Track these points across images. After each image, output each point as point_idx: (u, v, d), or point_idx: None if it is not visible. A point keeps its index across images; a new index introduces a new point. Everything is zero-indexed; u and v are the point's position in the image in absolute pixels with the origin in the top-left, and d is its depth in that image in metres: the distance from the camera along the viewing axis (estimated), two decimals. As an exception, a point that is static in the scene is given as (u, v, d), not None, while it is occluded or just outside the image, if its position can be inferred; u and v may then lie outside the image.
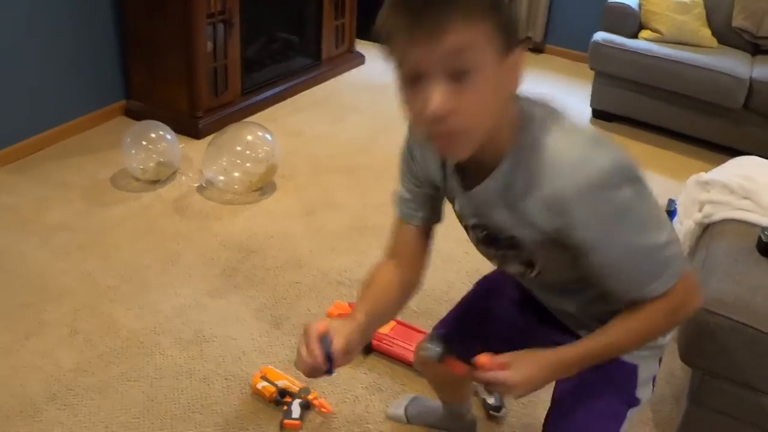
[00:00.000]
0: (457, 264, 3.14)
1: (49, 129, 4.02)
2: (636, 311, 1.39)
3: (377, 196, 3.65)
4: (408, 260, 1.62)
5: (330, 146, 4.20)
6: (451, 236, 3.05)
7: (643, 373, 1.62)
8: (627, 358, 1.57)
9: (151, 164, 3.60)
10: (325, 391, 2.42)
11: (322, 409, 2.33)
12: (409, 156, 1.56)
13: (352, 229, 3.37)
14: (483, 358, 1.38)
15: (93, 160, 3.86)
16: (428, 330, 2.58)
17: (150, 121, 3.72)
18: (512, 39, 1.21)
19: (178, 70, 4.10)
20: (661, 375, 2.14)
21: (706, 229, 2.66)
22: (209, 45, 4.11)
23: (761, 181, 2.60)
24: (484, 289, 1.90)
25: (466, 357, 1.42)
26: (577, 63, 5.76)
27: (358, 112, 4.72)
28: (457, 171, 1.44)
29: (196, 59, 4.03)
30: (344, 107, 4.79)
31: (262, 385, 2.37)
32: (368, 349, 2.59)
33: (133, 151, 3.57)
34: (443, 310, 2.60)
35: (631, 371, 1.60)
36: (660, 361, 1.68)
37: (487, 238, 1.48)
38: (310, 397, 2.33)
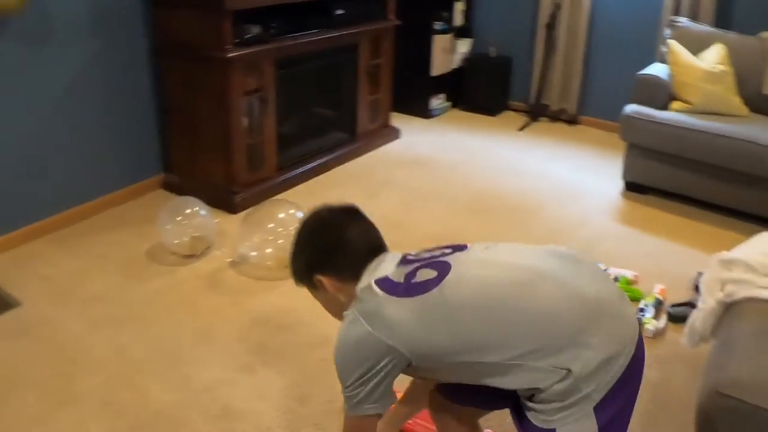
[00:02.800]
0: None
1: (89, 201, 4.18)
2: None
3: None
4: None
5: (362, 221, 4.27)
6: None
7: None
8: (539, 423, 1.67)
9: (186, 239, 3.70)
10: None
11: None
12: None
13: (381, 306, 3.42)
14: None
15: (131, 233, 3.98)
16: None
17: (185, 197, 3.84)
18: (308, 275, 1.95)
19: (215, 146, 4.24)
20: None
21: (729, 309, 2.66)
22: (245, 121, 4.24)
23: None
24: None
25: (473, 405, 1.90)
26: (611, 134, 5.81)
27: (392, 186, 4.81)
28: None
29: (233, 135, 4.17)
30: (378, 182, 4.88)
31: (285, 461, 2.41)
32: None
33: (169, 227, 3.68)
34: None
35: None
36: (594, 415, 1.67)
37: None
38: (332, 474, 2.36)
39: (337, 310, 1.90)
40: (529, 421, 1.71)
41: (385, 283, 1.77)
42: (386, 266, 1.83)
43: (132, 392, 2.79)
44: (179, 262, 3.71)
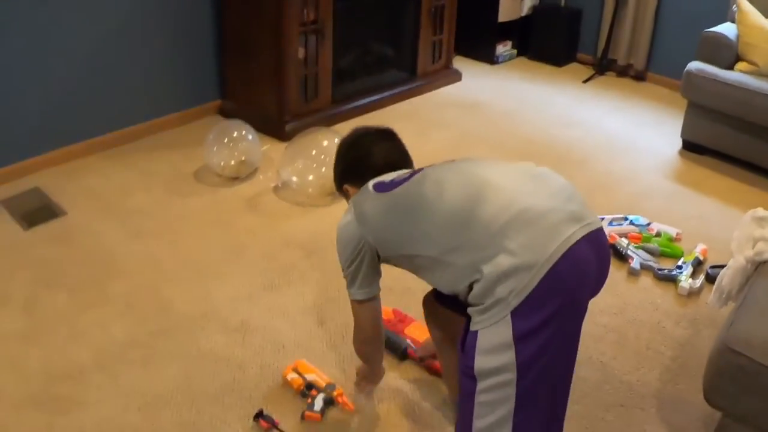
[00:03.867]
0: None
1: (146, 121, 4.28)
2: None
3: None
4: None
5: (409, 158, 4.29)
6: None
7: (483, 341, 1.68)
8: (471, 327, 1.74)
9: (232, 162, 3.77)
10: (351, 389, 2.50)
11: (345, 407, 2.41)
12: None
13: (413, 240, 3.45)
14: None
15: (181, 153, 4.07)
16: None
17: (234, 120, 3.90)
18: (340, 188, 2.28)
19: (270, 75, 4.28)
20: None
21: (758, 269, 2.60)
22: (301, 52, 4.27)
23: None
24: None
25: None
26: (677, 93, 5.65)
27: (443, 127, 4.80)
28: None
29: (287, 65, 4.20)
30: (431, 122, 4.87)
31: (291, 376, 2.48)
32: (404, 355, 2.66)
33: (215, 148, 3.75)
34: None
35: (471, 342, 1.72)
36: (511, 320, 1.67)
37: None
38: (334, 393, 2.42)
39: None
40: (469, 328, 1.77)
41: (378, 185, 2.02)
42: (391, 175, 2.05)
43: (156, 300, 2.89)
44: (223, 183, 3.79)
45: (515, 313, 1.65)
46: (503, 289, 1.64)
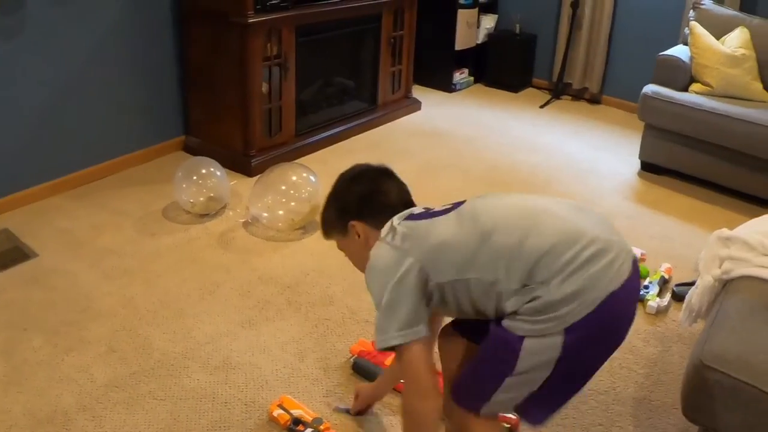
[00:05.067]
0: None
1: (110, 159, 4.28)
2: None
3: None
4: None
5: (374, 189, 4.33)
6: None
7: (531, 346, 1.76)
8: (512, 329, 1.77)
9: (201, 198, 3.78)
10: (338, 423, 2.52)
11: (333, 439, 2.43)
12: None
13: (386, 270, 3.48)
14: None
15: (149, 191, 4.07)
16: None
17: (201, 157, 3.92)
18: (340, 224, 2.11)
19: (234, 110, 4.31)
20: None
21: (725, 287, 2.67)
22: (265, 87, 4.31)
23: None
24: None
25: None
26: (632, 114, 5.77)
27: (407, 156, 4.86)
28: None
29: (251, 100, 4.24)
30: (395, 151, 4.93)
31: (278, 412, 2.49)
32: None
33: (184, 185, 3.76)
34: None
35: (514, 343, 1.77)
36: (563, 337, 1.75)
37: None
38: (321, 427, 2.43)
39: (363, 258, 1.99)
40: (503, 327, 1.81)
41: (407, 216, 1.98)
42: (418, 208, 2.05)
43: (136, 341, 2.88)
44: (193, 221, 3.80)
45: (568, 330, 1.74)
46: (565, 309, 1.71)
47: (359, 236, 2.06)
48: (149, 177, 4.26)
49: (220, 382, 2.68)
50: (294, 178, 3.71)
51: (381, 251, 1.91)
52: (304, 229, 3.77)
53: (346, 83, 5.29)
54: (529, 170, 4.76)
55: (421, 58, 5.98)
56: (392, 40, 5.33)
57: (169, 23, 4.40)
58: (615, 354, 2.90)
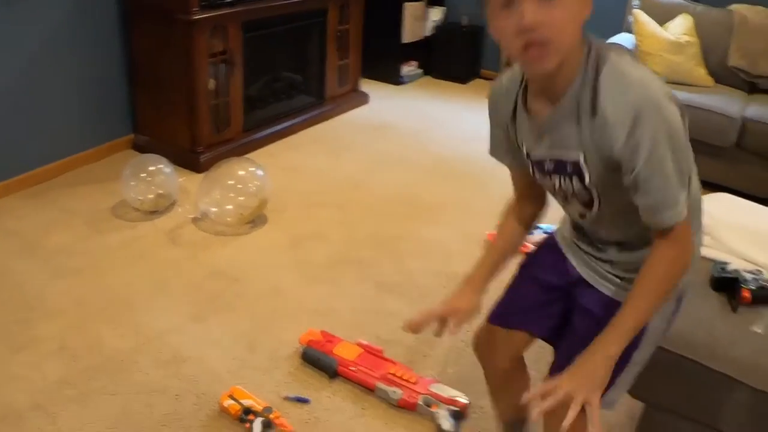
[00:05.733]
0: (431, 296, 3.30)
1: (59, 159, 4.28)
2: (648, 264, 1.60)
3: (362, 229, 3.85)
4: (524, 195, 1.95)
5: (323, 182, 4.41)
6: (430, 271, 3.24)
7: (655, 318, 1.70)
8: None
9: (150, 196, 3.82)
10: (288, 411, 2.59)
11: (283, 428, 2.49)
12: (491, 103, 1.81)
13: (333, 262, 3.55)
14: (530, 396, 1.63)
15: (98, 190, 4.10)
16: (392, 357, 2.77)
17: (150, 154, 3.95)
18: None
19: (181, 107, 4.35)
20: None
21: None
22: (211, 83, 4.35)
23: (720, 217, 2.71)
24: (524, 267, 2.07)
25: (524, 326, 1.95)
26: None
27: (354, 150, 4.93)
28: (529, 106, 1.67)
29: (198, 97, 4.27)
30: (342, 145, 5.00)
31: (228, 403, 2.55)
32: (334, 374, 2.76)
33: (132, 183, 3.80)
34: (413, 343, 2.80)
35: None
36: (675, 306, 1.80)
37: (556, 168, 1.66)
38: (272, 416, 2.49)
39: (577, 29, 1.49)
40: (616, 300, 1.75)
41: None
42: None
43: (87, 337, 2.92)
44: (142, 218, 3.83)
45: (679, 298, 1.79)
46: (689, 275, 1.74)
47: (588, 3, 1.48)
48: (99, 176, 4.28)
49: (170, 376, 2.73)
50: (241, 172, 3.77)
51: (664, 90, 1.49)
52: (253, 222, 3.82)
53: (294, 78, 5.34)
54: (474, 160, 4.85)
55: (369, 51, 6.04)
56: (339, 34, 5.39)
57: (115, 22, 4.41)
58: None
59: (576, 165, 1.60)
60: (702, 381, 2.14)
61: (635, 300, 1.61)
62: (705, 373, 2.12)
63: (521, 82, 1.67)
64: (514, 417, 2.22)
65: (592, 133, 1.52)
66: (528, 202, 1.95)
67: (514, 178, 1.95)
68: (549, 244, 2.01)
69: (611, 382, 1.67)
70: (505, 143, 1.83)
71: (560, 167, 1.64)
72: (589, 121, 1.52)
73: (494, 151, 1.91)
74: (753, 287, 2.34)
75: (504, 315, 2.02)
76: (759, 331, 2.22)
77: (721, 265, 2.45)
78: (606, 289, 1.80)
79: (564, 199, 1.76)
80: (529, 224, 1.97)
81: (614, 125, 1.47)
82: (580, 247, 1.88)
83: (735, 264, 2.50)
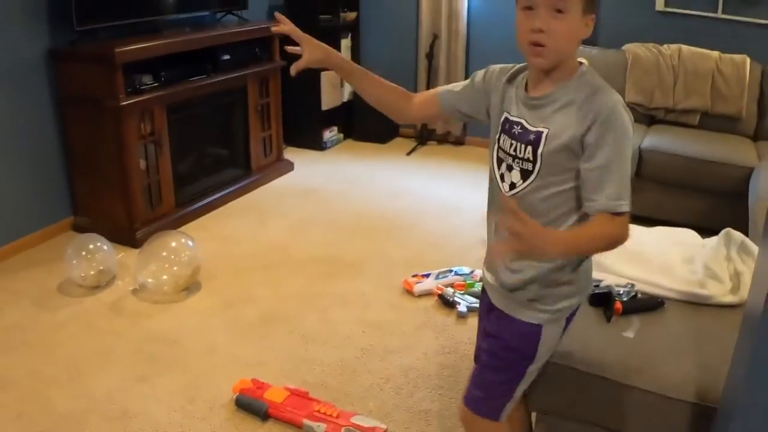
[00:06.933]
0: (351, 342, 3.68)
1: (4, 245, 4.56)
2: (596, 222, 1.85)
3: (288, 287, 4.25)
4: (417, 103, 2.33)
5: (251, 248, 4.80)
6: (350, 319, 3.60)
7: (546, 333, 2.08)
8: (530, 319, 2.06)
9: (91, 272, 4.15)
10: (225, 451, 2.93)
11: (221, 465, 2.83)
12: (491, 71, 2.19)
13: (263, 319, 3.92)
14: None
15: (43, 270, 4.41)
16: (320, 399, 3.12)
17: (89, 234, 4.29)
18: (591, 7, 1.86)
19: (116, 188, 4.70)
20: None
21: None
22: (143, 163, 4.71)
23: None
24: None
25: None
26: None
27: (280, 215, 5.33)
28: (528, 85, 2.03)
29: (131, 177, 4.63)
30: (269, 212, 5.40)
31: (171, 448, 2.88)
32: (265, 416, 3.11)
33: (74, 262, 4.13)
34: (337, 384, 3.14)
35: (536, 331, 2.08)
36: (565, 324, 2.15)
37: (520, 135, 1.96)
38: (210, 455, 2.83)
39: (569, 45, 1.90)
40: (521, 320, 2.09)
41: None
42: None
43: (41, 403, 3.23)
44: (86, 293, 4.16)
45: (569, 318, 2.15)
46: (578, 297, 2.13)
47: (587, 28, 1.88)
48: (42, 258, 4.59)
49: (120, 430, 3.06)
50: (173, 244, 4.12)
51: (617, 98, 1.87)
52: (188, 290, 4.17)
53: (221, 152, 5.72)
54: (394, 215, 5.27)
55: (291, 121, 6.41)
56: (260, 107, 5.79)
57: (49, 109, 4.70)
58: (444, 347, 3.42)
59: (538, 135, 1.91)
60: (578, 386, 2.45)
61: (591, 230, 1.86)
62: (581, 377, 2.43)
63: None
64: None
65: (567, 117, 1.87)
66: (414, 103, 2.35)
67: (428, 97, 2.31)
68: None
69: (508, 395, 2.16)
70: (470, 97, 2.20)
71: (524, 134, 1.94)
72: (568, 109, 1.88)
73: (449, 93, 2.25)
74: (625, 299, 2.72)
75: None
76: (629, 335, 2.55)
77: (595, 283, 2.78)
78: (507, 307, 2.13)
79: (508, 167, 1.99)
80: (397, 96, 2.38)
81: (588, 115, 1.83)
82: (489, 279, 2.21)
83: (608, 280, 2.86)
